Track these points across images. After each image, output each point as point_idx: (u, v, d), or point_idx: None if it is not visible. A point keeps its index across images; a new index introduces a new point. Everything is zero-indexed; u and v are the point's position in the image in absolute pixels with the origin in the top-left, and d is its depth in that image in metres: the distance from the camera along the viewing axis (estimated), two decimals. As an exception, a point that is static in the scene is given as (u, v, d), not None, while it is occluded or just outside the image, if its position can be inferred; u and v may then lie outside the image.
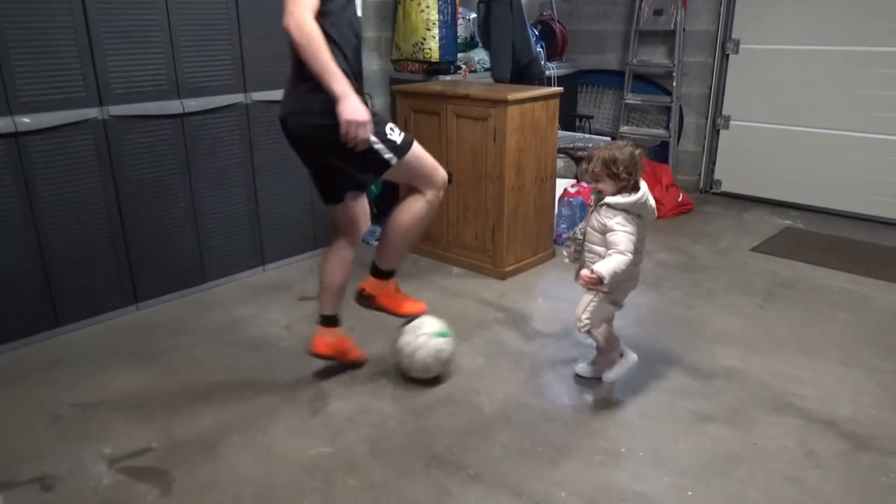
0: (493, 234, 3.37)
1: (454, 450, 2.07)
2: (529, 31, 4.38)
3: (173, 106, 2.94)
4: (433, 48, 3.98)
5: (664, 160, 4.94)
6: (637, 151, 2.21)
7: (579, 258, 2.35)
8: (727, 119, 4.81)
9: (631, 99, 5.17)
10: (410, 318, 2.42)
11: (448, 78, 4.08)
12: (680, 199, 4.47)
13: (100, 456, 2.05)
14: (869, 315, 2.99)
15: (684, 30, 4.81)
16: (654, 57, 5.05)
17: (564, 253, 2.49)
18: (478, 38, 4.49)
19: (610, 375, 2.41)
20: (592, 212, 2.28)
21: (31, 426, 2.21)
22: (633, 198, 2.18)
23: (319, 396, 2.37)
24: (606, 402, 2.35)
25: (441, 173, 2.24)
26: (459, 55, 4.27)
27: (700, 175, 5.03)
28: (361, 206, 2.36)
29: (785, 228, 4.21)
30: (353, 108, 1.92)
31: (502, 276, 3.40)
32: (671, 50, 4.90)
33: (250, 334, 2.83)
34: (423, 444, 2.11)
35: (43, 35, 2.52)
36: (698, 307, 3.09)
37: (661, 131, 5.10)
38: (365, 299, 2.39)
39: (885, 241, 3.95)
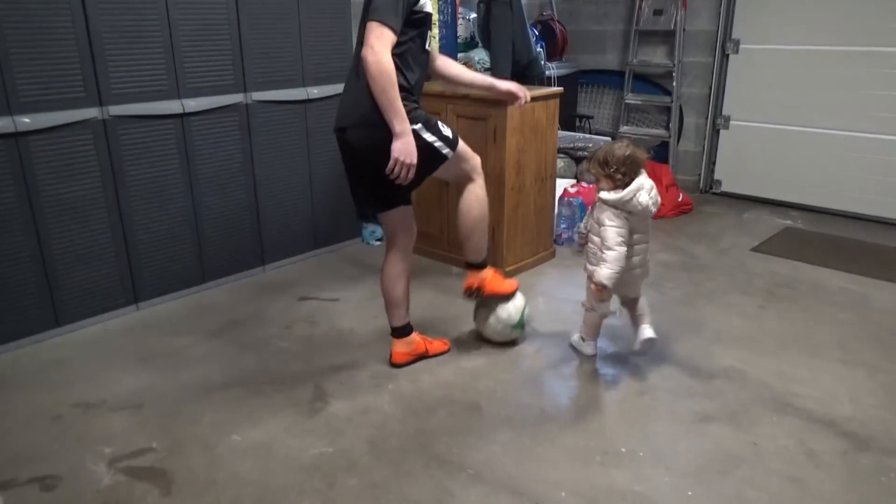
0: (492, 234, 3.36)
1: (454, 450, 2.07)
2: (529, 31, 4.38)
3: (173, 106, 2.94)
4: (433, 48, 3.97)
5: (664, 160, 4.94)
6: (634, 153, 2.32)
7: (583, 249, 2.55)
8: (727, 119, 4.81)
9: (631, 99, 5.17)
10: (509, 296, 2.62)
11: (448, 78, 4.07)
12: (680, 199, 4.47)
13: (100, 456, 2.05)
14: (869, 315, 2.99)
15: (684, 30, 4.81)
16: (654, 57, 5.05)
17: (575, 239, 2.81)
18: (478, 38, 4.49)
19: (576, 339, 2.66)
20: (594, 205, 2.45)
21: (31, 426, 2.21)
22: (616, 196, 2.30)
23: (319, 396, 2.37)
24: (606, 402, 2.35)
25: (476, 157, 2.40)
26: (459, 55, 4.27)
27: (700, 175, 5.03)
28: (405, 217, 2.40)
29: (785, 228, 4.21)
30: (405, 149, 2.06)
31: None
32: (671, 50, 4.89)
33: (250, 334, 2.83)
34: (424, 444, 2.11)
35: (43, 35, 2.52)
36: (698, 307, 3.09)
37: (661, 131, 5.10)
38: (475, 292, 2.54)
39: (885, 241, 3.94)
